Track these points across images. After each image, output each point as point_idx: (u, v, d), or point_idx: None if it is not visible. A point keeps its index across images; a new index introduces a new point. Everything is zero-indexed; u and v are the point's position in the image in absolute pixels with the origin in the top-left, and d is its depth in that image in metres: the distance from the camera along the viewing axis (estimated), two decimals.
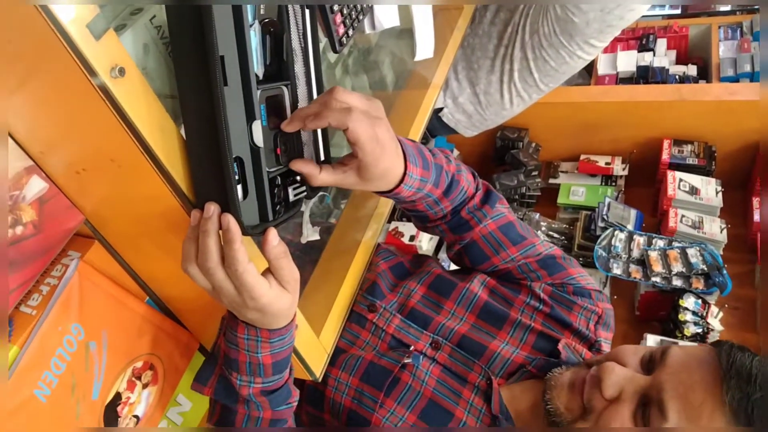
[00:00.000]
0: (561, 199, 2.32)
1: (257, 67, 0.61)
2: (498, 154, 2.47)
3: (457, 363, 0.85)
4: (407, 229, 2.14)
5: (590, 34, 1.44)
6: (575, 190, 2.34)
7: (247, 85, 0.59)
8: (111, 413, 0.81)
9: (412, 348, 0.87)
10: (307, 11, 0.74)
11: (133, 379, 0.84)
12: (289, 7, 0.68)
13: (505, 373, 0.85)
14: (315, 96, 0.74)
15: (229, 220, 0.59)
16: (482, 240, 0.91)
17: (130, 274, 0.81)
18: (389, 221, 2.27)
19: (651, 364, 0.74)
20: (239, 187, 0.61)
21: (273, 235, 0.63)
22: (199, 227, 0.60)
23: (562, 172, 2.45)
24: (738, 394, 0.65)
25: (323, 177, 0.68)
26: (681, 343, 1.85)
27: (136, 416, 0.86)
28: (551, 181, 2.43)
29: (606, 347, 0.91)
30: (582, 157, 2.43)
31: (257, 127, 0.61)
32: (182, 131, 0.62)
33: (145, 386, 0.86)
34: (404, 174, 0.73)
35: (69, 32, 0.49)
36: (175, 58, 0.58)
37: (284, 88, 0.66)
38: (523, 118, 2.37)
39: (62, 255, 0.74)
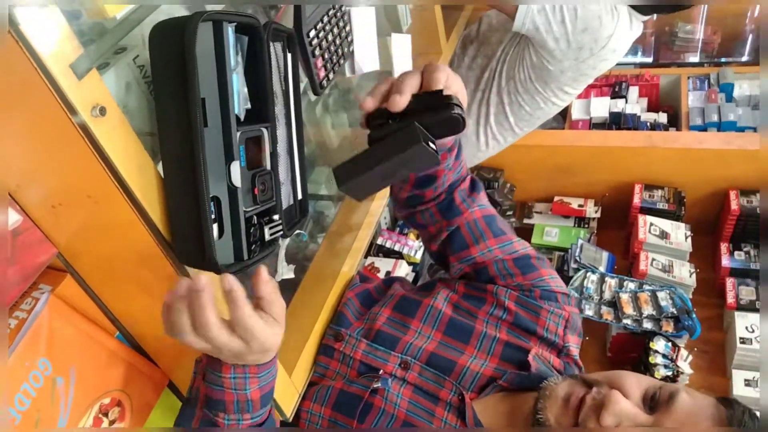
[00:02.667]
0: (535, 239, 2.36)
1: (238, 110, 0.62)
2: None
3: (428, 381, 0.85)
4: (383, 264, 2.15)
5: (564, 81, 1.50)
6: (549, 231, 2.38)
7: (227, 127, 0.60)
8: None
9: (381, 372, 0.87)
10: (289, 55, 0.76)
11: (100, 415, 0.83)
12: (272, 50, 0.70)
13: (476, 387, 0.85)
14: (294, 137, 0.76)
15: (232, 281, 0.59)
16: (466, 227, 0.93)
17: (101, 308, 0.80)
18: (365, 256, 2.27)
19: (654, 402, 0.74)
20: (215, 226, 0.62)
21: (264, 272, 0.62)
22: (192, 299, 0.59)
23: (536, 212, 2.50)
24: None
25: None
26: None
27: None
28: (525, 221, 2.47)
29: (575, 351, 0.92)
30: (556, 198, 2.47)
31: (236, 168, 0.62)
32: (160, 169, 0.62)
33: (112, 423, 0.85)
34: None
35: (51, 71, 0.49)
36: (156, 97, 0.59)
37: (264, 130, 0.67)
38: (499, 158, 2.41)
39: (33, 288, 0.73)
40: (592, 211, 2.40)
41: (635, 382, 0.76)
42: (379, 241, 2.28)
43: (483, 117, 1.69)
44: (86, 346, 0.78)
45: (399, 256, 2.25)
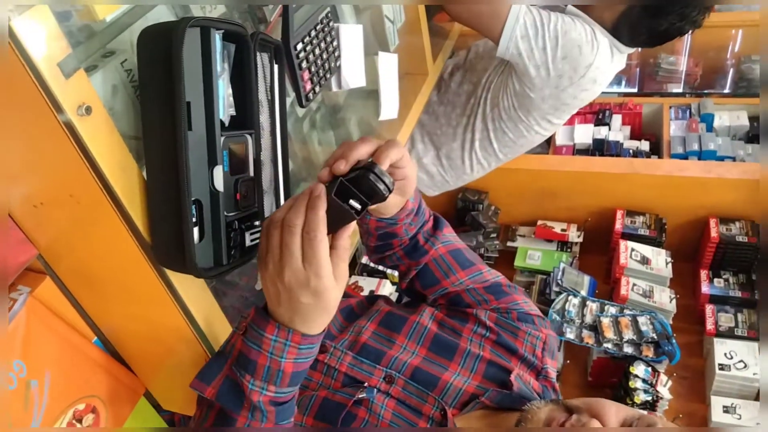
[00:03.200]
0: (518, 262, 2.37)
1: (223, 115, 0.63)
2: (459, 215, 2.52)
3: (411, 396, 0.86)
4: (367, 283, 2.16)
5: (546, 110, 1.54)
6: (532, 254, 2.39)
7: (211, 131, 0.61)
8: None
9: (365, 384, 0.87)
10: (276, 66, 0.77)
11: (74, 422, 0.82)
12: (258, 59, 0.71)
13: (459, 403, 0.85)
14: (279, 146, 0.77)
15: (321, 188, 0.61)
16: (434, 263, 0.95)
17: (80, 313, 0.80)
18: (349, 276, 2.28)
19: None
20: (196, 230, 0.62)
21: (351, 227, 0.64)
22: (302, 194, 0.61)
23: (520, 235, 2.51)
24: None
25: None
26: None
27: None
28: (509, 243, 2.48)
29: (552, 374, 0.93)
30: (539, 222, 2.49)
31: (218, 172, 0.63)
32: (144, 172, 0.63)
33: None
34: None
35: (39, 69, 0.50)
36: (142, 100, 0.60)
37: (248, 137, 0.68)
38: (484, 182, 2.45)
39: (12, 289, 0.73)
40: (574, 235, 2.42)
41: (614, 412, 0.77)
42: (364, 260, 2.28)
43: (468, 142, 1.72)
44: (62, 350, 0.78)
45: (383, 275, 2.25)
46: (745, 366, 1.98)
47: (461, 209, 2.52)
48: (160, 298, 0.72)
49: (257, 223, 0.70)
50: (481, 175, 1.84)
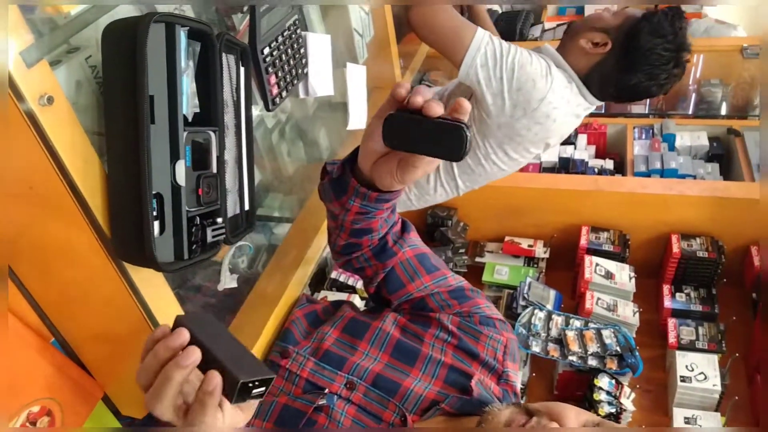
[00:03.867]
0: (486, 277, 2.39)
1: (186, 110, 0.64)
2: (428, 230, 2.54)
3: (372, 402, 0.86)
4: (336, 297, 2.15)
5: (501, 138, 1.59)
6: (499, 270, 2.42)
7: (174, 125, 0.62)
8: None
9: (326, 390, 0.87)
10: (242, 68, 0.79)
11: (28, 424, 0.80)
12: (224, 60, 0.72)
13: (419, 409, 0.86)
14: (244, 148, 0.78)
15: (218, 381, 0.59)
16: (400, 267, 0.95)
17: (38, 313, 0.79)
18: (319, 290, 2.27)
19: None
20: (156, 223, 0.63)
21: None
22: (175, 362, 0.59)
23: (488, 251, 2.54)
24: None
25: None
26: None
27: None
28: (477, 259, 2.51)
29: (513, 377, 0.94)
30: (506, 238, 2.53)
31: (180, 167, 0.63)
32: (106, 167, 0.63)
33: None
34: None
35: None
36: (106, 92, 0.61)
37: (212, 134, 0.69)
38: (453, 198, 2.47)
39: None
40: (541, 251, 2.46)
41: (574, 416, 0.78)
42: (333, 274, 2.28)
43: None
44: (17, 349, 0.77)
45: (352, 290, 2.25)
46: (706, 378, 2.02)
47: (431, 225, 2.54)
48: (121, 296, 0.72)
49: (219, 220, 0.71)
50: (443, 199, 1.88)
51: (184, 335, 0.60)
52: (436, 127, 0.62)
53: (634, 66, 1.48)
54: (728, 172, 2.64)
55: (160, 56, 0.60)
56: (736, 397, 2.02)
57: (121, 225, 0.62)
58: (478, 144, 1.63)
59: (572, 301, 2.42)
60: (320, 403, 0.85)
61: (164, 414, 0.61)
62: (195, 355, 0.59)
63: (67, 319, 0.80)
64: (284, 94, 0.92)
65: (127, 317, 0.75)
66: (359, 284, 2.24)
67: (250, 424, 0.87)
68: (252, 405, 0.66)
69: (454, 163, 1.72)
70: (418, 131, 0.62)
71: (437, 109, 0.64)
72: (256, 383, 0.58)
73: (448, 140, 0.61)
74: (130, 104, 0.58)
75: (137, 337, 0.78)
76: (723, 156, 2.68)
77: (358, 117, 1.29)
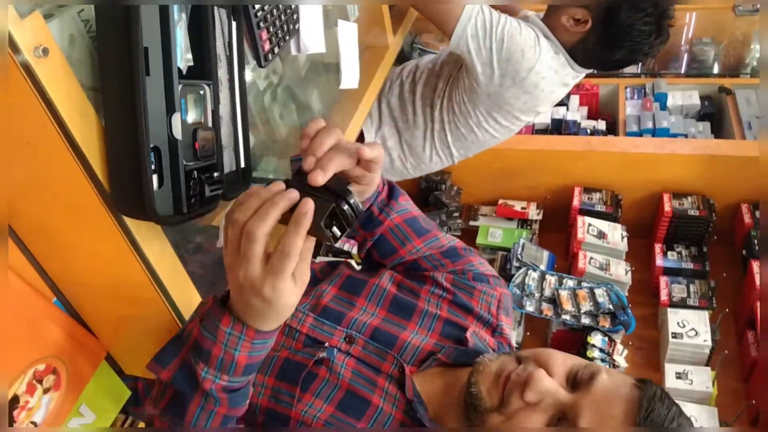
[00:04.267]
0: (480, 240, 2.42)
1: (180, 62, 0.64)
2: (422, 195, 2.55)
3: (371, 354, 0.88)
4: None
5: (490, 106, 1.63)
6: (493, 232, 2.44)
7: (168, 78, 0.62)
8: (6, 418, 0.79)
9: (326, 344, 0.89)
10: (233, 23, 0.78)
11: (34, 382, 0.82)
12: (216, 14, 0.72)
13: (416, 360, 0.87)
14: (237, 101, 0.78)
15: (311, 206, 0.60)
16: (390, 233, 0.96)
17: (39, 273, 0.80)
18: (314, 257, 2.29)
19: (576, 381, 0.77)
20: (155, 177, 0.63)
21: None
22: (274, 196, 0.60)
23: (482, 215, 2.56)
24: None
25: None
26: None
27: (33, 423, 0.83)
28: (471, 223, 2.53)
29: (507, 331, 0.96)
30: (500, 201, 2.54)
31: (176, 120, 0.64)
32: (103, 123, 0.63)
33: (46, 391, 0.84)
34: None
35: None
36: (100, 46, 0.61)
37: (206, 87, 0.69)
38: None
39: None
40: (534, 213, 2.48)
41: (561, 361, 0.79)
42: None
43: (429, 131, 1.80)
44: (22, 308, 0.78)
45: (348, 255, 2.27)
46: (697, 333, 2.06)
47: (425, 189, 2.55)
48: (121, 252, 0.72)
49: (216, 175, 0.71)
50: (439, 167, 1.91)
51: (281, 185, 0.62)
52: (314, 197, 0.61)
53: (616, 43, 1.50)
54: (719, 130, 2.66)
55: (152, 8, 0.60)
56: (726, 351, 2.06)
57: (120, 179, 0.63)
58: (469, 112, 1.67)
59: (565, 262, 2.45)
60: (321, 356, 0.86)
61: (251, 263, 0.61)
62: (293, 193, 0.61)
63: (68, 278, 0.81)
64: (276, 50, 0.92)
65: (129, 273, 0.75)
66: (354, 249, 2.26)
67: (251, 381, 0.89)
68: (306, 275, 0.66)
69: (448, 132, 1.76)
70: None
71: (318, 178, 0.64)
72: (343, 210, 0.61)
73: (317, 214, 0.60)
74: (125, 56, 0.58)
75: (139, 293, 0.79)
76: (714, 114, 2.69)
77: (351, 75, 1.29)
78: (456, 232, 2.46)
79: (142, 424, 1.84)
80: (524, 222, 2.49)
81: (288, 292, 0.63)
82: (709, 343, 2.05)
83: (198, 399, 0.70)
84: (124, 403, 1.03)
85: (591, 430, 0.72)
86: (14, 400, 0.79)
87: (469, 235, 2.48)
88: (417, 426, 0.82)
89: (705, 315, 2.11)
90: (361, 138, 1.81)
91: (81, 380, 0.90)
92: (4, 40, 0.52)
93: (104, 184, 0.64)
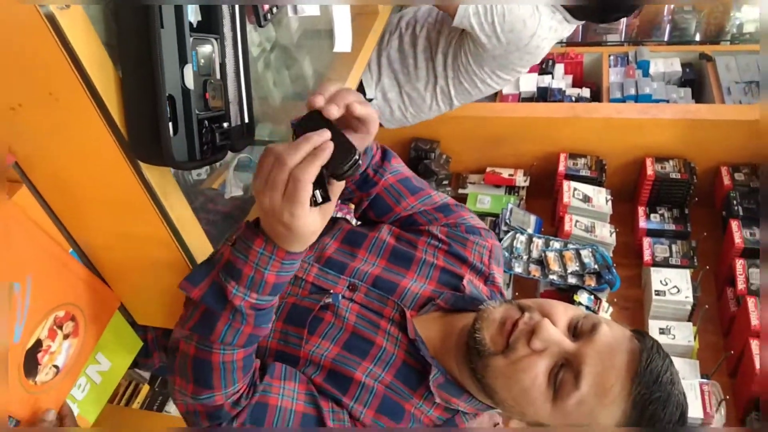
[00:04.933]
0: (469, 206, 2.47)
1: (191, 15, 0.68)
2: (412, 163, 2.60)
3: (373, 300, 0.93)
4: None
5: (496, 66, 1.76)
6: (482, 199, 2.50)
7: (180, 31, 0.66)
8: (31, 360, 0.83)
9: (331, 291, 0.94)
10: None
11: (55, 327, 0.86)
12: None
13: (416, 305, 0.93)
14: (241, 57, 0.82)
15: (331, 144, 0.66)
16: (385, 192, 1.01)
17: (56, 223, 0.84)
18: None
19: (578, 331, 0.82)
20: (170, 124, 0.67)
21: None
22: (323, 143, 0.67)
23: (470, 183, 2.62)
24: (643, 390, 0.76)
25: None
26: None
27: (56, 366, 0.88)
28: (460, 191, 2.58)
29: (499, 280, 1.02)
30: (488, 169, 2.60)
31: (188, 71, 0.68)
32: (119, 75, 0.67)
33: (66, 337, 0.89)
34: None
35: None
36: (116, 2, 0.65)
37: (214, 41, 0.73)
38: (436, 130, 2.53)
39: None
40: (521, 179, 2.54)
41: (563, 311, 0.84)
42: None
43: (431, 84, 1.90)
44: (42, 257, 0.82)
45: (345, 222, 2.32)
46: (678, 291, 2.15)
47: (414, 158, 2.60)
48: (139, 200, 0.76)
49: (225, 125, 0.76)
50: (437, 114, 2.00)
51: (327, 133, 0.68)
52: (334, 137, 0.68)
53: None
54: (700, 96, 2.72)
55: None
56: (707, 307, 2.15)
57: (137, 127, 0.67)
58: (474, 72, 1.79)
59: (552, 227, 2.52)
60: (326, 301, 0.92)
61: (276, 191, 0.67)
62: (326, 134, 0.67)
63: (84, 227, 0.85)
64: (275, 10, 0.96)
65: (145, 223, 0.79)
66: (348, 218, 2.31)
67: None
68: (328, 212, 0.72)
69: (451, 86, 1.87)
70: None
71: (333, 112, 0.70)
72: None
73: (338, 154, 0.67)
74: (140, 10, 0.62)
75: (153, 242, 0.84)
76: (695, 81, 2.75)
77: (344, 39, 1.33)
78: None
79: (143, 389, 1.90)
80: (512, 189, 2.55)
81: (305, 218, 0.68)
82: (691, 299, 2.13)
83: (226, 316, 0.75)
84: (136, 353, 1.09)
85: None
86: (37, 344, 0.84)
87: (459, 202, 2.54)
88: (419, 364, 0.88)
89: (686, 273, 2.19)
90: (360, 90, 1.88)
91: (97, 328, 0.95)
92: None
93: (123, 132, 0.68)
